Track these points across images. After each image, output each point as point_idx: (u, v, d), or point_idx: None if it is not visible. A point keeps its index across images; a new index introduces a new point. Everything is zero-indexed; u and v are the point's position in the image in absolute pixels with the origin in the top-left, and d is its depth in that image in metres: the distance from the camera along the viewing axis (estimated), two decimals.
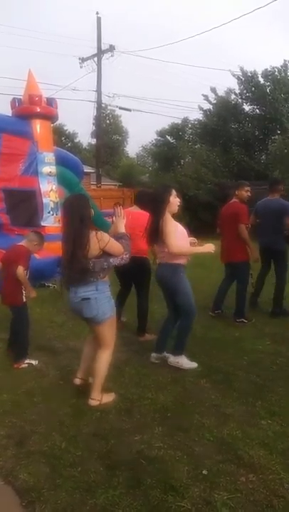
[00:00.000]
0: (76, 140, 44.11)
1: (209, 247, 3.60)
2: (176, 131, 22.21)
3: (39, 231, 4.59)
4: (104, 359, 3.17)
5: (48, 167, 8.00)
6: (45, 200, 7.67)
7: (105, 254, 2.98)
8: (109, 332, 3.17)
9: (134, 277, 4.52)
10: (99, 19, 17.79)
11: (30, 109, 8.03)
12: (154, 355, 3.89)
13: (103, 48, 17.91)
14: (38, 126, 8.03)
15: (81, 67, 18.69)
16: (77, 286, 3.01)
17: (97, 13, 17.83)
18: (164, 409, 3.01)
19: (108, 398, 3.16)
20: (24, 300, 3.95)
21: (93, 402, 3.08)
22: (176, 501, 2.11)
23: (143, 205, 4.33)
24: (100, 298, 3.03)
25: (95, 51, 18.15)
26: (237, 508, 2.06)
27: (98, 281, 3.00)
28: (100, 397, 3.11)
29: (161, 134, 22.84)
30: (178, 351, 3.72)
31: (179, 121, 22.07)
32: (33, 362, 3.87)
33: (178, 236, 3.53)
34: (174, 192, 3.60)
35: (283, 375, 3.53)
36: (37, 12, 73.06)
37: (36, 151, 7.89)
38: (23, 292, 3.92)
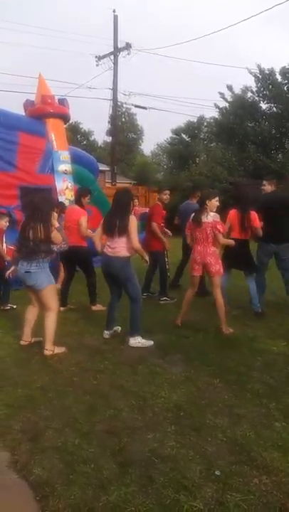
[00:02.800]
0: (91, 138, 44.34)
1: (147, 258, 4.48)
2: (192, 129, 22.10)
3: None
4: (51, 317, 4.08)
5: (64, 165, 8.08)
6: (60, 198, 7.73)
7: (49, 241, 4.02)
8: (50, 297, 4.08)
9: (75, 261, 5.66)
10: (115, 17, 17.82)
11: (44, 109, 8.23)
12: (106, 332, 4.56)
13: (119, 45, 17.93)
14: (52, 126, 8.17)
15: (97, 65, 18.77)
16: (25, 261, 4.02)
17: (114, 10, 17.87)
18: (177, 408, 3.01)
19: (60, 350, 4.05)
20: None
21: (47, 352, 3.98)
22: (188, 501, 2.11)
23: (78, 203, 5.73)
24: (39, 272, 3.98)
25: (112, 49, 18.19)
26: (250, 510, 2.05)
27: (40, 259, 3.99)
28: (52, 348, 4.01)
29: (177, 132, 22.74)
30: (135, 333, 4.30)
31: (195, 120, 21.98)
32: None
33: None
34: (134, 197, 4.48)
35: None
36: (53, 11, 73.42)
37: (52, 150, 7.97)
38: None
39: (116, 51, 17.98)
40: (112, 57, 18.21)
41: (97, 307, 5.60)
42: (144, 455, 2.49)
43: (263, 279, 5.43)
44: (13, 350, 4.20)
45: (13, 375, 3.59)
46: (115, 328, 4.64)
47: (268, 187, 5.45)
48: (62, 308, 5.42)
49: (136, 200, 4.42)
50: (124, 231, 4.14)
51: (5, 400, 3.14)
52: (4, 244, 5.72)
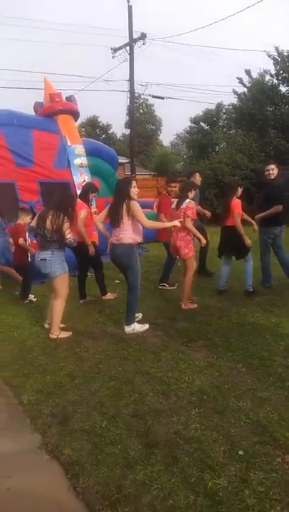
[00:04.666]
0: (110, 131, 44.42)
1: (174, 222, 4.43)
2: (211, 117, 21.77)
3: None
4: (59, 304, 4.39)
5: (79, 159, 8.22)
6: (78, 192, 7.84)
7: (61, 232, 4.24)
8: (61, 285, 4.35)
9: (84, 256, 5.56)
10: (130, 7, 17.67)
11: (53, 107, 8.54)
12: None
13: (135, 36, 17.79)
14: (62, 122, 8.42)
15: (113, 57, 18.67)
16: (41, 249, 4.33)
17: (128, 0, 17.71)
18: (201, 392, 3.07)
19: (65, 335, 4.35)
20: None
21: (52, 336, 4.34)
22: (212, 479, 2.18)
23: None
24: (53, 260, 4.24)
25: (127, 40, 18.08)
26: (273, 487, 2.10)
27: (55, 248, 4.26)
28: (58, 333, 4.35)
29: (195, 120, 22.45)
30: (130, 322, 4.43)
31: (213, 107, 21.65)
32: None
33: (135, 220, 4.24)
34: (133, 183, 4.32)
35: None
36: (67, 5, 73.29)
37: (66, 145, 8.11)
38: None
39: (131, 42, 17.85)
40: (127, 48, 18.10)
41: (108, 296, 5.74)
42: (168, 436, 2.57)
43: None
44: (41, 339, 4.35)
45: (41, 363, 3.74)
46: (136, 314, 4.71)
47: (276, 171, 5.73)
48: (81, 301, 5.60)
49: (135, 186, 4.32)
50: (121, 218, 4.21)
51: (34, 387, 3.29)
52: (28, 239, 5.89)
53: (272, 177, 5.72)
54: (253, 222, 5.71)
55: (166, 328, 4.48)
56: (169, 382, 3.26)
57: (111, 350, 3.97)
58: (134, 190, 4.29)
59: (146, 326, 4.47)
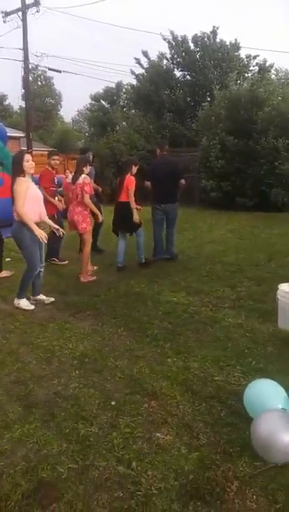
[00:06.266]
0: (6, 103, 41.58)
1: (40, 234, 4.19)
2: (111, 95, 21.72)
3: None
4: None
5: None
6: None
7: None
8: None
9: None
10: None
11: None
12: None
13: (27, 1, 16.78)
14: None
15: (4, 21, 17.40)
16: None
17: None
18: (83, 356, 3.27)
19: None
20: None
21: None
22: (85, 427, 2.40)
23: None
24: None
25: (20, 5, 16.97)
26: (137, 427, 2.39)
27: None
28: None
29: (96, 98, 22.20)
30: (20, 295, 4.44)
31: (114, 86, 21.60)
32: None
33: (27, 198, 4.14)
34: (26, 156, 4.21)
35: (192, 320, 3.93)
36: None
37: None
38: None
39: (24, 7, 16.82)
40: (20, 13, 17.02)
41: (2, 274, 5.68)
42: (48, 397, 2.72)
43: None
44: None
45: None
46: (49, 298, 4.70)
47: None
48: None
49: (28, 161, 4.19)
50: (12, 196, 4.22)
51: None
52: None
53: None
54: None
55: (56, 303, 4.57)
56: (53, 349, 3.40)
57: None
58: (27, 165, 4.20)
59: (32, 307, 4.40)
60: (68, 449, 2.22)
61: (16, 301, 4.43)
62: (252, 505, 1.85)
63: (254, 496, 1.89)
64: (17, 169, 4.22)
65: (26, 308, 4.37)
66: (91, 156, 6.81)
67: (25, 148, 18.88)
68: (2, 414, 2.54)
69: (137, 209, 5.68)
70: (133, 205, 5.61)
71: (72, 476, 2.04)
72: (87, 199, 5.24)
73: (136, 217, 5.63)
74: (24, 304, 4.42)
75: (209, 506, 1.84)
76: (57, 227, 4.64)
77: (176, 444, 2.24)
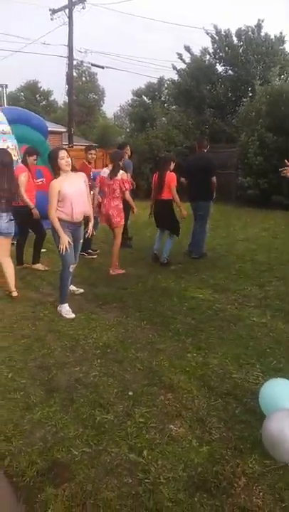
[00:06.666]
0: (51, 98, 42.61)
1: (63, 242, 3.97)
2: (152, 91, 21.75)
3: None
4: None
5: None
6: None
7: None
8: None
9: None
10: None
11: None
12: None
13: None
14: None
15: (52, 19, 17.84)
16: None
17: None
18: (105, 347, 3.36)
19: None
20: None
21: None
22: (101, 414, 2.48)
23: None
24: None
25: (66, 2, 17.32)
26: (151, 418, 2.45)
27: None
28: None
29: (137, 93, 22.31)
30: (61, 300, 4.16)
31: (156, 81, 21.61)
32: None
33: (62, 199, 3.93)
34: (61, 154, 3.95)
35: (216, 317, 3.93)
36: None
37: None
38: None
39: (70, 5, 17.15)
40: (66, 11, 17.37)
41: (37, 266, 5.79)
42: (69, 383, 2.84)
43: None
44: None
45: None
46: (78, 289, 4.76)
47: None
48: (18, 267, 5.62)
49: (63, 158, 3.99)
50: None
51: None
52: None
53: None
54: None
55: (85, 294, 4.70)
56: (78, 338, 3.52)
57: (28, 313, 4.13)
58: (62, 162, 3.92)
59: (72, 315, 4.01)
60: (84, 434, 2.31)
61: (58, 308, 4.14)
62: (258, 501, 1.85)
63: (261, 493, 1.89)
64: (53, 166, 4.02)
65: (66, 316, 4.02)
66: (129, 152, 6.89)
67: (66, 143, 19.35)
68: (25, 397, 2.67)
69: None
70: (177, 201, 5.69)
71: (85, 459, 2.12)
72: (127, 195, 5.45)
73: (184, 212, 5.77)
74: (64, 310, 4.08)
75: (215, 499, 1.87)
76: (91, 228, 4.42)
77: (188, 436, 2.28)
